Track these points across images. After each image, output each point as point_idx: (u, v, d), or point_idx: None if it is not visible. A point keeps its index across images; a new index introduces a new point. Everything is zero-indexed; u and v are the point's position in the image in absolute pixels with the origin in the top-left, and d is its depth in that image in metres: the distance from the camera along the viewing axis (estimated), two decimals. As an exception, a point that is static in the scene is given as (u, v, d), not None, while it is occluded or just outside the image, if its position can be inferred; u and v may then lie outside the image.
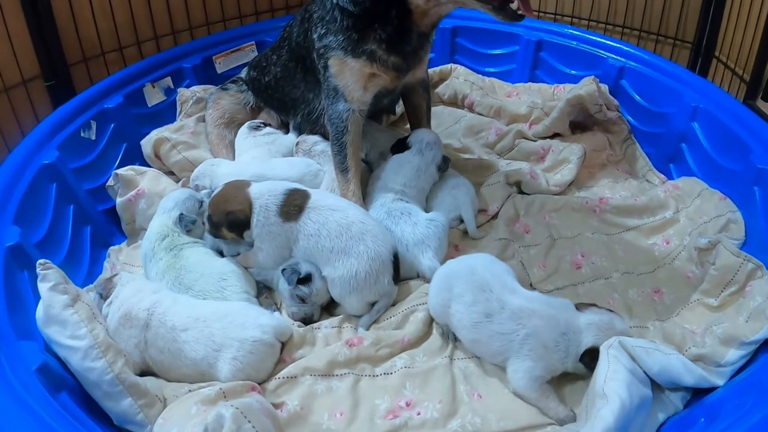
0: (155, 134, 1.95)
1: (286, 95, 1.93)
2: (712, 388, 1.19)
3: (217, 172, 1.69)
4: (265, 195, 1.46)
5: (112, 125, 1.91)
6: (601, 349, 1.19)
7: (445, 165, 1.72)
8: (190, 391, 1.21)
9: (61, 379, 1.13)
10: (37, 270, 1.17)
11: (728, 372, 1.19)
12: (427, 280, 1.50)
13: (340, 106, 1.62)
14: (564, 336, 1.20)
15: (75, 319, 1.14)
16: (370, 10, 1.49)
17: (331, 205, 1.46)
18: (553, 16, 2.52)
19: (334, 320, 1.44)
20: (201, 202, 1.59)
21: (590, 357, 1.18)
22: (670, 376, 1.18)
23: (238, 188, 1.49)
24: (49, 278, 1.16)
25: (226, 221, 1.45)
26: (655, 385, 1.19)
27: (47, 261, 1.18)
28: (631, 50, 2.11)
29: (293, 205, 1.45)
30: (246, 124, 1.94)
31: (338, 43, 1.56)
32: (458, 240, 1.66)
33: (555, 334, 1.20)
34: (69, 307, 1.15)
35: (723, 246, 1.39)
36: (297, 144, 1.86)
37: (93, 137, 1.84)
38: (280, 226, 1.44)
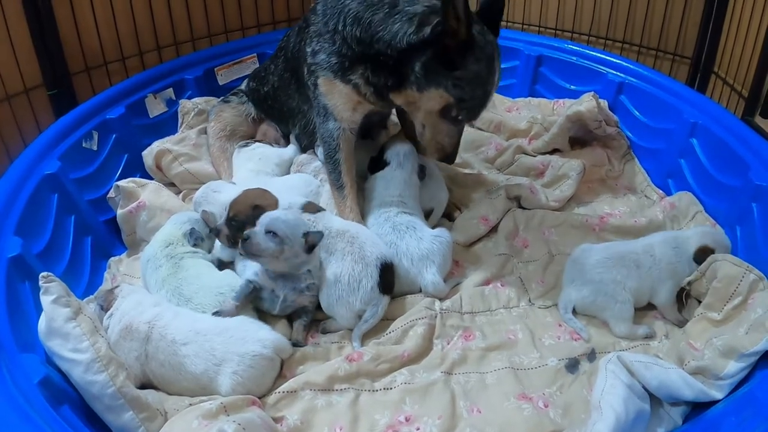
0: (157, 146, 1.95)
1: (283, 105, 1.93)
2: (712, 403, 1.19)
3: (218, 198, 1.65)
4: (289, 198, 1.55)
5: (114, 136, 1.91)
6: (600, 364, 1.21)
7: (423, 173, 1.73)
8: (190, 404, 1.20)
9: (63, 392, 1.13)
10: (40, 283, 1.17)
11: (727, 385, 1.19)
12: (429, 295, 1.51)
13: (330, 124, 1.63)
14: (676, 249, 1.48)
15: (77, 333, 1.14)
16: (368, 54, 1.49)
17: (338, 219, 1.58)
18: (553, 31, 2.54)
19: (333, 336, 1.44)
20: (209, 229, 1.61)
21: (702, 253, 1.45)
22: (669, 391, 1.18)
23: (262, 190, 1.55)
24: (51, 291, 1.16)
25: (253, 216, 1.46)
26: (654, 400, 1.19)
27: (50, 274, 1.18)
28: (631, 66, 2.13)
29: (313, 208, 1.55)
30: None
31: (329, 65, 1.55)
32: (459, 255, 1.66)
33: (670, 252, 1.48)
34: (71, 320, 1.15)
35: (722, 258, 1.39)
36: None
37: (95, 148, 1.84)
38: (300, 215, 1.49)
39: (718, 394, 1.19)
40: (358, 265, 1.42)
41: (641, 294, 1.47)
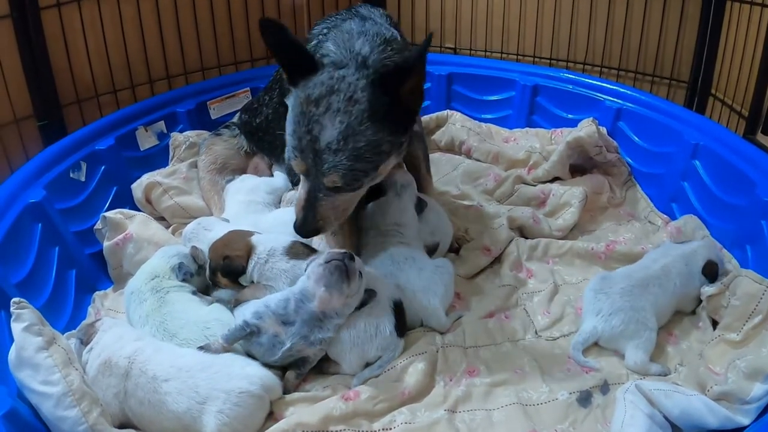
0: (147, 178, 1.92)
1: (276, 139, 1.89)
2: (738, 429, 1.13)
3: (208, 237, 1.58)
4: (271, 241, 1.46)
5: (103, 167, 1.87)
6: (617, 394, 1.15)
7: (420, 207, 1.66)
8: (171, 447, 1.12)
9: (31, 428, 1.05)
10: (12, 309, 1.11)
11: (754, 409, 1.13)
12: (430, 329, 1.43)
13: None
14: (687, 266, 1.49)
15: (49, 363, 1.07)
16: None
17: None
18: (548, 60, 2.55)
19: (325, 381, 1.34)
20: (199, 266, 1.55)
21: (709, 270, 1.48)
22: (692, 419, 1.13)
23: (240, 235, 1.49)
24: (23, 318, 1.10)
25: (222, 266, 1.43)
26: (675, 430, 1.13)
27: (22, 300, 1.12)
28: (628, 92, 2.13)
29: (301, 251, 1.43)
30: None
31: None
32: (461, 288, 1.59)
33: (684, 268, 1.49)
34: (43, 350, 1.08)
35: (743, 275, 1.34)
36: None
37: (83, 178, 1.80)
38: (286, 262, 1.42)
39: (744, 420, 1.12)
40: (373, 309, 1.33)
41: (663, 316, 1.44)
